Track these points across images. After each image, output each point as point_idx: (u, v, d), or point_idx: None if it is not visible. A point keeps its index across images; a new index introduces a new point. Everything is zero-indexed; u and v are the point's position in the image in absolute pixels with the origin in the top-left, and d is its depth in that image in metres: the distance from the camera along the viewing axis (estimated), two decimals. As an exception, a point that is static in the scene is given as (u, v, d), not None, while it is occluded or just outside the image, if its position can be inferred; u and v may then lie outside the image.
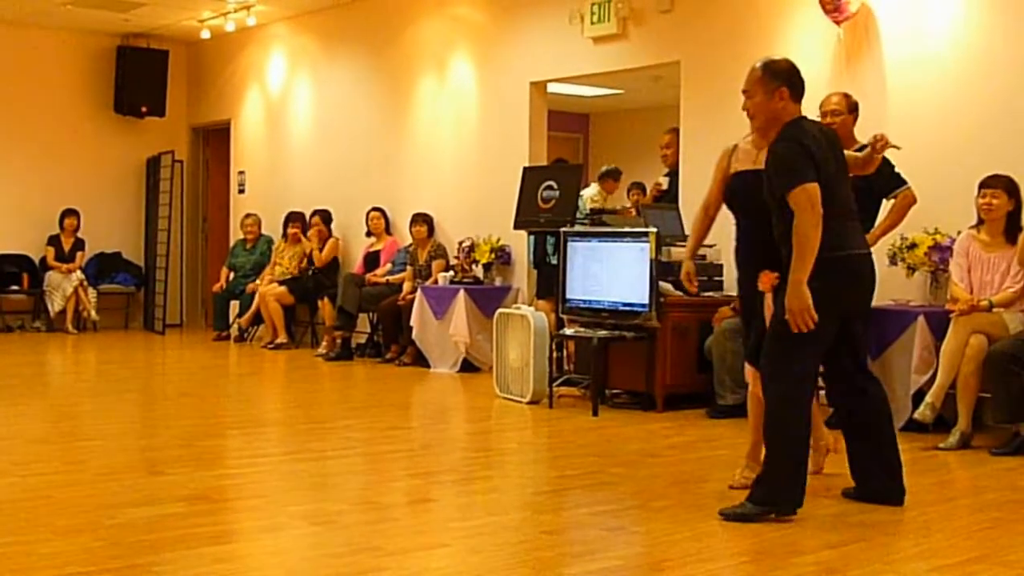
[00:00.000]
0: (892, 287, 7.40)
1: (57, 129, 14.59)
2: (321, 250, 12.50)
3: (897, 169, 7.07)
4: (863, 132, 7.17)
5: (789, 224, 4.74)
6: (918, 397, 6.81)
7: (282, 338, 12.30)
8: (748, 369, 5.39)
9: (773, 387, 4.84)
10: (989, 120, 7.59)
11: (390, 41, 12.30)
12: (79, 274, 13.97)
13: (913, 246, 7.36)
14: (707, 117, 9.16)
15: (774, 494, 4.74)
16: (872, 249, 6.99)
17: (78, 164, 14.73)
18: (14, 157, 14.26)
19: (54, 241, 14.17)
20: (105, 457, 6.24)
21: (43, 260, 14.16)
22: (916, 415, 6.64)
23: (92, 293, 14.10)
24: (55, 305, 13.87)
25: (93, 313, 14.02)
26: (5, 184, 14.21)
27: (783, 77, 5.03)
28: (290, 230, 12.93)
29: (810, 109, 7.64)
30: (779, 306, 4.80)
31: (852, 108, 7.23)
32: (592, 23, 9.99)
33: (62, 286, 13.86)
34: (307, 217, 12.91)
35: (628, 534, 4.69)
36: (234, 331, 13.10)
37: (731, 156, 5.40)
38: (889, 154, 7.01)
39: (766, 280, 5.01)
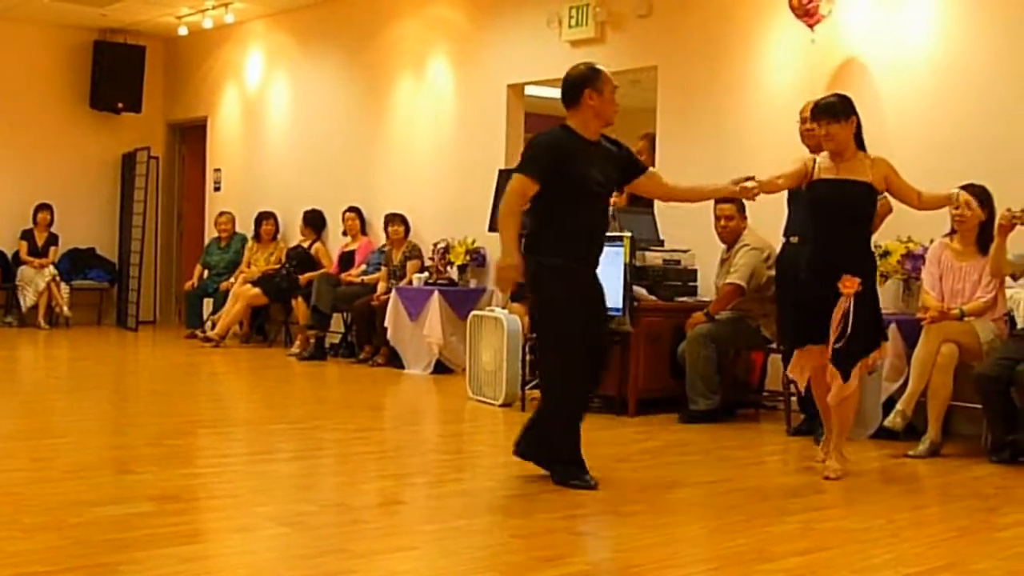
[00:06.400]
0: (865, 295, 7.40)
1: (32, 123, 14.50)
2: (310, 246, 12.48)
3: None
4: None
5: None
6: (889, 405, 6.84)
7: (217, 332, 12.27)
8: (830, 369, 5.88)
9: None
10: (964, 129, 7.61)
11: (368, 40, 12.27)
12: (52, 269, 13.90)
13: (886, 254, 7.39)
14: (682, 122, 9.19)
15: None
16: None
17: (53, 159, 14.63)
18: (-12, 151, 14.17)
19: (27, 236, 14.09)
20: (74, 455, 6.19)
21: (16, 255, 14.09)
22: (887, 423, 6.66)
23: (65, 289, 14.03)
24: (27, 300, 13.79)
25: (66, 309, 13.94)
26: (-22, 178, 14.12)
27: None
28: (264, 229, 12.92)
29: (790, 114, 7.70)
30: None
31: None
32: (570, 27, 9.98)
33: (35, 281, 13.78)
34: (276, 216, 12.91)
35: (597, 539, 4.70)
36: (208, 329, 13.04)
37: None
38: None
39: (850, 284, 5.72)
